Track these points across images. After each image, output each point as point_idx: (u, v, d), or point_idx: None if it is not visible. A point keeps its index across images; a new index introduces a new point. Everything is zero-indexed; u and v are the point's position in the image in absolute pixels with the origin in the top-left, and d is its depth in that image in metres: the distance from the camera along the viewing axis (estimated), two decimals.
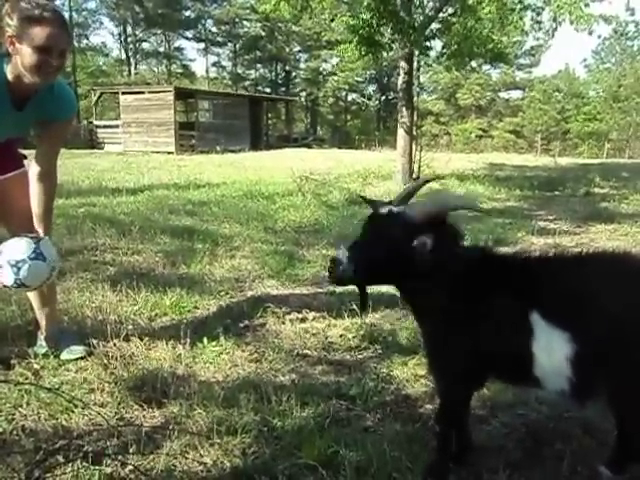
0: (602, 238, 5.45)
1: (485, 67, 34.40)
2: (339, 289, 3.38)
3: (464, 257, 1.59)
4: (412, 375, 2.30)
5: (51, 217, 2.35)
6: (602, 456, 1.68)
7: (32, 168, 2.24)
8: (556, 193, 9.47)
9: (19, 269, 2.04)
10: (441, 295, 1.58)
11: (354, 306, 3.10)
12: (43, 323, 2.49)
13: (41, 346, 2.46)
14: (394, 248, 1.54)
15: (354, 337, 2.72)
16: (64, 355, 2.40)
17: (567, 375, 1.39)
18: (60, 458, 1.66)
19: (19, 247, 2.08)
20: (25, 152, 2.45)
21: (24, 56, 1.90)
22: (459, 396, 1.67)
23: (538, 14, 9.86)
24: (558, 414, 1.99)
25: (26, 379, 2.18)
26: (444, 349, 1.62)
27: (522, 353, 1.45)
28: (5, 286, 2.11)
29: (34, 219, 2.25)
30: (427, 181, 1.86)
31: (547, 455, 1.76)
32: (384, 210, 1.61)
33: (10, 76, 1.97)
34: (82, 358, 2.39)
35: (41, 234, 2.23)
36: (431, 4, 10.81)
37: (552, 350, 1.39)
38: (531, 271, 1.54)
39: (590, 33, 8.86)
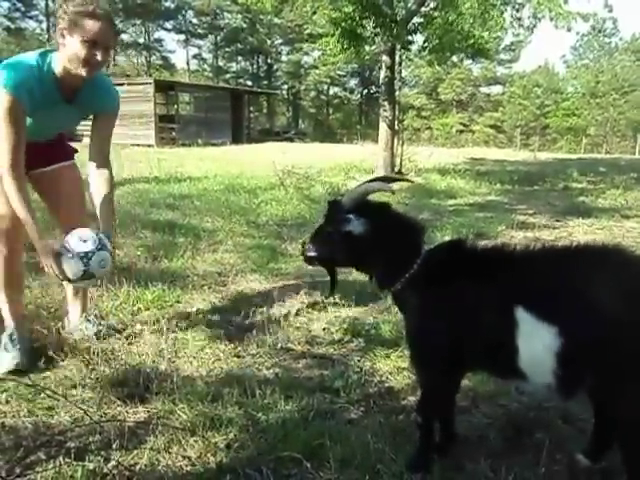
0: (580, 232, 5.55)
1: (466, 62, 34.57)
2: (320, 281, 3.39)
3: (408, 239, 1.68)
4: (395, 368, 2.32)
5: (113, 209, 2.39)
6: (580, 444, 1.72)
7: (89, 165, 2.32)
8: (535, 187, 9.60)
9: (89, 260, 2.05)
10: (416, 283, 1.62)
11: (337, 300, 3.12)
12: (75, 311, 2.63)
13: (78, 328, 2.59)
14: (333, 231, 1.70)
15: (337, 330, 2.73)
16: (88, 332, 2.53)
17: (553, 369, 1.39)
18: (42, 455, 1.64)
19: (85, 238, 2.08)
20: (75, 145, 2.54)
21: (72, 48, 1.98)
22: (439, 386, 1.67)
23: (518, 10, 9.96)
24: (538, 404, 2.03)
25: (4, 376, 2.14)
26: (423, 338, 1.63)
27: (505, 346, 1.45)
28: (67, 278, 2.10)
29: (97, 211, 2.29)
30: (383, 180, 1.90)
31: (527, 444, 1.80)
32: (330, 200, 1.79)
33: (59, 70, 2.06)
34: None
35: (104, 227, 2.26)
36: None
37: (537, 344, 1.39)
38: (515, 263, 1.53)
39: (569, 30, 8.99)
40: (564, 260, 1.48)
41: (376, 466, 1.65)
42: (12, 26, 36.77)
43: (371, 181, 1.81)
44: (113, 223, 2.38)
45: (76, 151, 2.52)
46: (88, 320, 2.61)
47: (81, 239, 2.08)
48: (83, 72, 2.02)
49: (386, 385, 2.20)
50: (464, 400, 2.06)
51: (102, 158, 2.34)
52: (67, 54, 2.00)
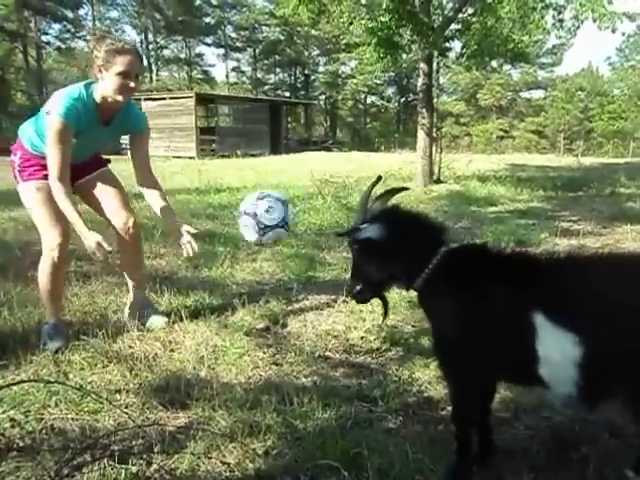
0: (628, 239, 5.33)
1: (506, 67, 34.03)
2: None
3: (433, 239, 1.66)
4: (434, 377, 2.29)
5: (173, 212, 2.76)
6: (629, 459, 1.65)
7: (138, 179, 2.74)
8: (580, 193, 9.30)
9: (265, 234, 2.62)
10: (432, 282, 1.61)
11: (375, 308, 3.11)
12: (131, 293, 2.97)
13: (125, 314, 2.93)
14: (360, 252, 1.72)
15: (375, 339, 2.71)
16: (148, 325, 2.82)
17: (575, 379, 1.34)
18: (87, 457, 1.70)
19: (273, 206, 2.58)
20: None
21: (109, 80, 2.39)
22: (468, 394, 1.63)
23: (559, 12, 9.70)
24: (583, 417, 1.96)
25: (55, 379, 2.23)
26: (440, 339, 1.62)
27: (524, 351, 1.41)
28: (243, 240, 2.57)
29: (163, 218, 2.69)
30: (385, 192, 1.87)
31: (572, 458, 1.74)
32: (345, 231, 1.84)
33: (99, 98, 2.47)
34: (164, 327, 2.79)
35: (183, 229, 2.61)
36: (450, 5, 10.75)
37: (557, 351, 1.34)
38: (535, 268, 1.49)
39: (613, 31, 8.67)
40: (591, 266, 1.43)
41: (415, 477, 1.63)
42: (63, 46, 38.65)
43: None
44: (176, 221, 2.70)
45: (109, 161, 2.87)
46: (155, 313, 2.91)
47: (269, 206, 2.52)
48: (120, 98, 2.43)
49: (425, 395, 2.18)
50: (506, 412, 2.02)
51: (147, 171, 2.74)
52: (105, 86, 2.41)
